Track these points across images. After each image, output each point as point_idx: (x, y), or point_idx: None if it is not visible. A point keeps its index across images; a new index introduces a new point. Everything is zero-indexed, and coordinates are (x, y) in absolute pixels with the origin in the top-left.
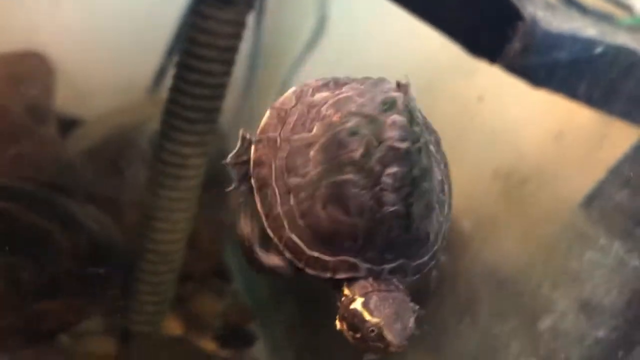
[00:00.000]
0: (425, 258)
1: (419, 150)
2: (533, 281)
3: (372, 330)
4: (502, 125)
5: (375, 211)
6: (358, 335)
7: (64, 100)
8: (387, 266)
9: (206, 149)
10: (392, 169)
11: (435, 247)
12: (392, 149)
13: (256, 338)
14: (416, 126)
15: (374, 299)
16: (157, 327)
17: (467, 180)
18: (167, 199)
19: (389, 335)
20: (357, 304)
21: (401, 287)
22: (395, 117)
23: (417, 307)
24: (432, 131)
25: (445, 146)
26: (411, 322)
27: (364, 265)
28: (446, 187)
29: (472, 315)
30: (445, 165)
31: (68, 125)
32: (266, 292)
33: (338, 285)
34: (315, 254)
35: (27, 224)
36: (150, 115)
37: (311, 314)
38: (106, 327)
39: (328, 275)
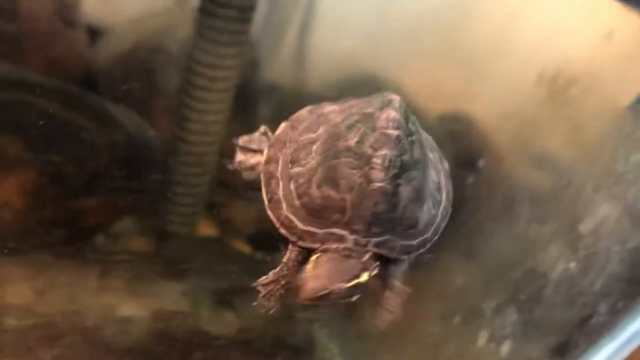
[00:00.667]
0: (414, 242)
1: (412, 143)
2: (575, 185)
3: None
4: (548, 30)
5: (364, 187)
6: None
7: (92, 8)
8: (373, 239)
9: (241, 51)
10: (382, 152)
11: (425, 236)
12: (384, 135)
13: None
14: (411, 124)
15: (322, 257)
16: (192, 229)
17: (509, 86)
18: (202, 101)
19: (303, 288)
20: (312, 257)
21: (365, 258)
22: (390, 111)
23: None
24: (432, 147)
25: (487, 55)
26: (338, 287)
27: (351, 237)
28: (444, 192)
29: (509, 220)
30: (447, 175)
31: (96, 33)
32: None
33: None
34: (307, 228)
35: (68, 122)
36: (180, 20)
37: None
38: (142, 227)
39: (317, 245)
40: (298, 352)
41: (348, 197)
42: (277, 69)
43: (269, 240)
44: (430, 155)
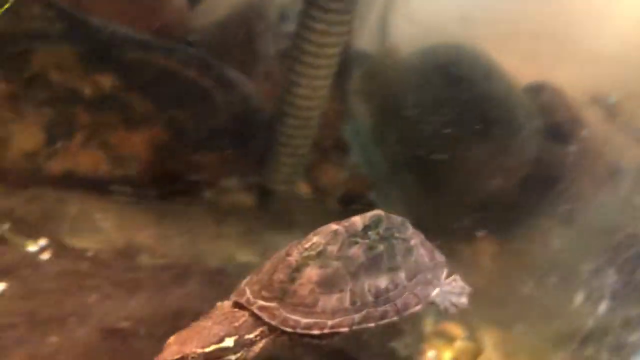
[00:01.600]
0: (302, 320)
1: (355, 242)
2: None
3: None
4: None
5: (281, 259)
6: None
7: None
8: (260, 302)
9: (349, 20)
10: (314, 237)
11: (323, 321)
12: (328, 227)
13: (376, 206)
14: (373, 232)
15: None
16: (292, 187)
17: (614, 58)
18: (310, 67)
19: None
20: None
21: (238, 323)
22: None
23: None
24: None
25: (583, 29)
26: (192, 352)
27: (248, 295)
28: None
29: (612, 186)
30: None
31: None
32: (384, 167)
33: None
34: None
35: (191, 81)
36: None
37: (429, 188)
38: (246, 184)
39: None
40: None
41: (268, 263)
42: (366, 36)
43: (357, 200)
44: (398, 259)
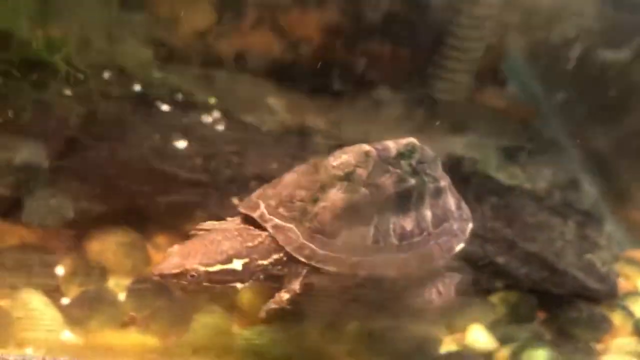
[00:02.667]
0: (319, 250)
1: (389, 173)
2: None
3: None
4: None
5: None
6: None
7: None
8: (276, 220)
9: None
10: (344, 154)
11: (342, 256)
12: (359, 147)
13: None
14: (406, 163)
15: (198, 235)
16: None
17: None
18: None
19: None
20: None
21: (252, 244)
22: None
23: None
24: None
25: None
26: (194, 268)
27: (262, 209)
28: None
29: None
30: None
31: None
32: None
33: None
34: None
35: None
36: None
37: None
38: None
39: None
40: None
41: (287, 176)
42: None
43: None
44: (427, 200)
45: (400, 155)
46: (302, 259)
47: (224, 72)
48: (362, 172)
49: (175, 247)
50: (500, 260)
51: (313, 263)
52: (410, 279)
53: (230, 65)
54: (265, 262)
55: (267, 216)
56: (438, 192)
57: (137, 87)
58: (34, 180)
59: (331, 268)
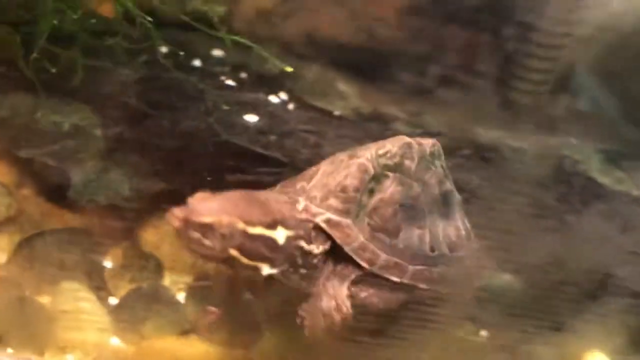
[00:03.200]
0: (381, 254)
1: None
2: None
3: None
4: None
5: (345, 160)
6: None
7: None
8: (328, 214)
9: None
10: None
11: (401, 262)
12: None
13: None
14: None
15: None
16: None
17: None
18: None
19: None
20: None
21: (300, 217)
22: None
23: None
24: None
25: None
26: (229, 222)
27: (303, 202)
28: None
29: None
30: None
31: None
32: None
33: None
34: None
35: None
36: None
37: None
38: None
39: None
40: None
41: (316, 168)
42: None
43: None
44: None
45: (432, 154)
46: (364, 264)
47: (288, 53)
48: (409, 164)
49: (217, 198)
50: (619, 272)
51: (375, 270)
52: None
53: (296, 47)
54: (306, 247)
55: (315, 209)
56: (460, 204)
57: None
58: (84, 150)
59: (394, 277)
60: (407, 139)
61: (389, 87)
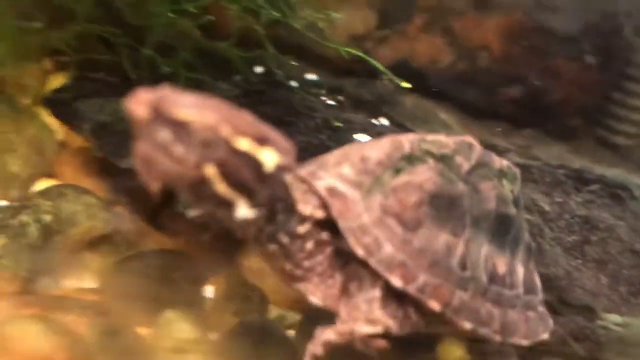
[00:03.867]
0: (431, 278)
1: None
2: None
3: None
4: None
5: None
6: None
7: None
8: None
9: None
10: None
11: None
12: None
13: None
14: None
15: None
16: None
17: None
18: None
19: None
20: None
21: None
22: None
23: None
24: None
25: None
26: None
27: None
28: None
29: None
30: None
31: None
32: None
33: None
34: None
35: None
36: None
37: None
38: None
39: None
40: None
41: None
42: None
43: None
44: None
45: (502, 172)
46: (359, 251)
47: (384, 80)
48: (462, 161)
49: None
50: None
51: (372, 263)
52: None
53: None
54: (295, 199)
55: (320, 172)
56: (530, 249)
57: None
58: None
59: (394, 279)
60: (470, 140)
61: (490, 118)
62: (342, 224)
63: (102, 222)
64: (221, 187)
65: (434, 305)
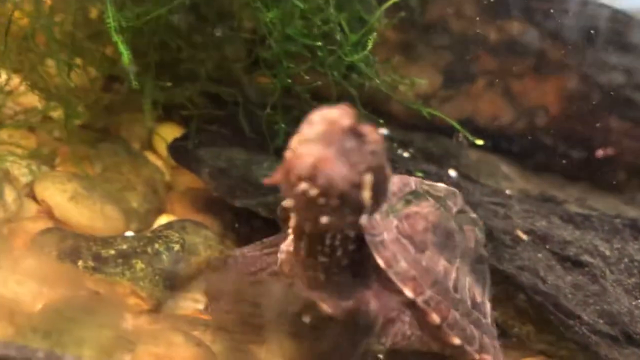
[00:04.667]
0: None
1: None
2: None
3: None
4: None
5: None
6: None
7: None
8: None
9: None
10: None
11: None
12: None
13: None
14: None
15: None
16: None
17: None
18: None
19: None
20: None
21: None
22: None
23: None
24: None
25: None
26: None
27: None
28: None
29: None
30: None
31: None
32: None
33: None
34: None
35: None
36: None
37: None
38: None
39: None
40: None
41: None
42: None
43: None
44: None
45: (475, 222)
46: (381, 262)
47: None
48: (451, 205)
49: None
50: None
51: (390, 273)
52: None
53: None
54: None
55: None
56: (491, 290)
57: None
58: None
59: (408, 290)
60: (454, 190)
61: (548, 171)
62: (368, 237)
63: (217, 252)
64: (367, 194)
65: (435, 318)
